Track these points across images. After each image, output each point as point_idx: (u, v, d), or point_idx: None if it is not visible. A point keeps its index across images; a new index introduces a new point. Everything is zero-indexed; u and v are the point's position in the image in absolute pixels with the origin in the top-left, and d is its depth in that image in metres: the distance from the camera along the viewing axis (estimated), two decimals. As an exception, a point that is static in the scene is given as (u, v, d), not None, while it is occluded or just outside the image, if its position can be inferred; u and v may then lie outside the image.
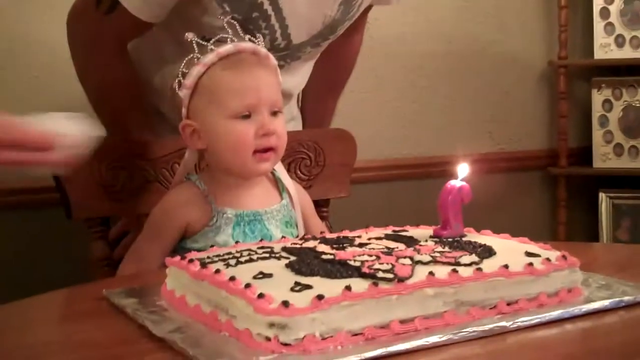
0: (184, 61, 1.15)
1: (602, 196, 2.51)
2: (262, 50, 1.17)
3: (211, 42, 1.14)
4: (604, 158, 2.52)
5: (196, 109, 1.16)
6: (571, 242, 1.44)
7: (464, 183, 0.94)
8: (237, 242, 1.03)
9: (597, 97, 2.51)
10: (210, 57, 1.14)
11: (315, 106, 1.64)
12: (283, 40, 1.39)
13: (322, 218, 1.45)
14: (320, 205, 1.45)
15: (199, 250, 0.97)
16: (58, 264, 1.78)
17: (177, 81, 1.16)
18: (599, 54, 2.47)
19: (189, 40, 1.14)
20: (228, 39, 1.15)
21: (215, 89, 1.14)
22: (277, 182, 1.25)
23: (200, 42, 1.14)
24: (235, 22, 1.16)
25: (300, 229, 1.24)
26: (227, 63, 1.14)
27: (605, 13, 2.47)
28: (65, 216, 1.26)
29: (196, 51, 1.14)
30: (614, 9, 2.46)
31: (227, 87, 1.13)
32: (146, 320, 0.76)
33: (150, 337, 0.73)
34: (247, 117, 1.13)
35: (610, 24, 2.46)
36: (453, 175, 0.95)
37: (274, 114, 1.15)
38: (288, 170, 1.31)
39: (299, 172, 1.42)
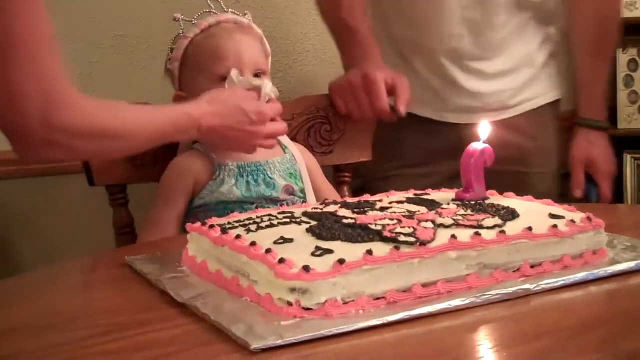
0: (173, 39, 1.24)
1: (626, 157, 2.47)
2: (244, 20, 1.23)
3: (196, 17, 1.23)
4: (628, 119, 2.48)
5: (185, 79, 1.24)
6: (595, 204, 1.42)
7: (486, 145, 0.93)
8: (258, 207, 1.03)
9: (623, 57, 2.46)
10: (193, 30, 1.22)
11: (584, 66, 1.59)
12: None
13: (344, 183, 1.45)
14: (341, 170, 1.44)
15: (205, 205, 0.98)
16: (81, 231, 1.79)
17: (168, 57, 1.25)
18: (625, 13, 2.41)
19: (176, 20, 1.23)
20: (210, 14, 1.23)
21: (198, 57, 1.21)
22: (279, 143, 1.27)
23: (186, 19, 1.23)
24: (219, 1, 1.24)
25: (307, 183, 1.25)
26: (208, 33, 1.22)
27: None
28: (87, 183, 1.27)
29: (182, 28, 1.22)
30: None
31: (209, 52, 1.20)
32: (168, 287, 0.76)
33: (172, 303, 0.73)
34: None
35: (634, -19, 2.40)
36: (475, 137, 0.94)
37: (257, 76, 1.19)
38: (308, 136, 1.32)
39: (319, 138, 1.42)
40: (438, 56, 1.52)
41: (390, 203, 0.91)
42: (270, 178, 1.20)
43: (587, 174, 1.59)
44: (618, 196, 2.40)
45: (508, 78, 1.55)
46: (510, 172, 1.56)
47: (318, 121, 1.43)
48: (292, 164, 1.25)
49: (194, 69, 1.22)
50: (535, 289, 0.73)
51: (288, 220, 0.83)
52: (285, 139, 1.29)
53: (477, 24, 1.49)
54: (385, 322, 0.65)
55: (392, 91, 1.39)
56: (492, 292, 0.71)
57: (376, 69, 1.39)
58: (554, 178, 1.61)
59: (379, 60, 1.46)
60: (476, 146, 0.93)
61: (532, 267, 0.76)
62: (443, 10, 1.48)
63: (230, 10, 1.25)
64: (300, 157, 1.27)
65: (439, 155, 1.51)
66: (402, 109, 1.38)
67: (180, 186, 1.19)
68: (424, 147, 1.54)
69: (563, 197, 1.56)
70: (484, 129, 0.95)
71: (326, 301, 0.66)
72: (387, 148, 1.55)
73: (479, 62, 1.52)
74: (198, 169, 1.20)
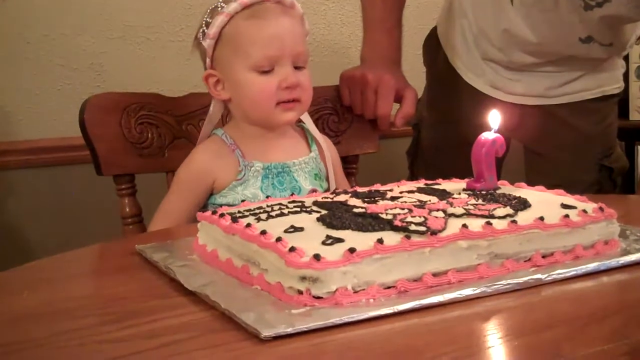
0: (208, 10, 1.14)
1: (638, 148, 2.46)
2: None
3: None
4: (639, 110, 2.47)
5: (220, 58, 1.15)
6: (608, 195, 1.41)
7: (497, 135, 0.92)
8: (267, 196, 1.03)
9: (635, 48, 2.44)
10: (233, 6, 1.12)
11: None
12: None
13: (351, 174, 1.44)
14: (348, 161, 1.44)
15: (227, 205, 0.96)
16: (91, 220, 1.80)
17: (200, 30, 1.15)
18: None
19: None
20: None
21: (238, 39, 1.13)
22: (305, 134, 1.24)
23: None
24: None
25: (331, 181, 1.23)
26: (250, 12, 1.13)
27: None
28: (95, 173, 1.27)
29: (221, 0, 1.13)
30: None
31: (250, 37, 1.12)
32: (178, 275, 0.76)
33: (182, 291, 0.73)
34: (271, 70, 1.12)
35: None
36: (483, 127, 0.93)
37: (298, 67, 1.14)
38: (316, 127, 1.30)
39: (326, 129, 1.41)
40: (486, 59, 1.53)
41: (401, 192, 0.90)
42: (296, 181, 1.17)
43: None
44: (630, 187, 2.39)
45: (555, 76, 1.53)
46: (541, 154, 1.56)
47: (326, 112, 1.43)
48: (318, 162, 1.23)
49: (232, 50, 1.14)
50: (547, 279, 0.72)
51: (298, 209, 0.83)
52: (312, 127, 1.26)
53: (543, 46, 1.47)
54: (396, 311, 0.64)
55: (398, 101, 1.40)
56: (503, 282, 0.70)
57: (392, 74, 1.40)
58: (593, 167, 1.58)
59: (398, 67, 1.47)
60: (487, 136, 0.92)
61: (543, 257, 0.76)
62: (508, 24, 1.47)
63: None
64: (327, 152, 1.24)
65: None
66: (399, 122, 1.41)
67: (199, 184, 1.16)
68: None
69: (601, 188, 1.55)
70: (495, 118, 0.94)
71: (337, 290, 0.65)
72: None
73: (529, 69, 1.52)
74: (221, 167, 1.16)
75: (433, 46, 1.65)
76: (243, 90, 1.14)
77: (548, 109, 1.54)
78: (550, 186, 0.94)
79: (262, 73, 1.12)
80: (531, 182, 0.97)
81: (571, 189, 0.92)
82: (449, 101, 1.61)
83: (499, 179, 0.95)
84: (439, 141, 1.63)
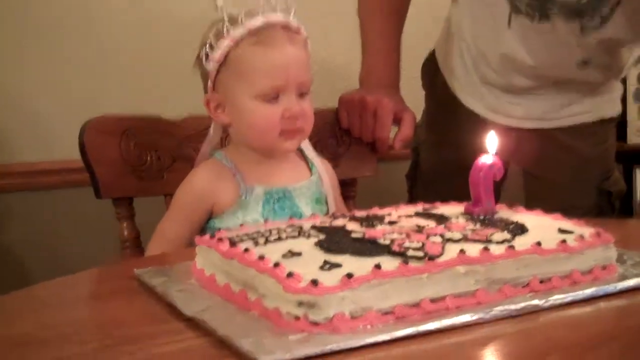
0: (213, 30, 1.13)
1: (636, 171, 2.47)
2: (293, 23, 1.14)
3: (242, 13, 1.11)
4: (638, 133, 2.47)
5: (223, 83, 1.15)
6: (605, 219, 1.42)
7: (495, 159, 0.93)
8: (266, 220, 1.03)
9: (633, 71, 2.46)
10: (240, 31, 1.11)
11: None
12: None
13: (349, 198, 1.45)
14: (347, 184, 1.44)
15: (227, 230, 0.96)
16: (89, 243, 1.80)
17: (204, 51, 1.14)
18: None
19: (218, 7, 1.11)
20: (260, 11, 1.12)
21: (243, 66, 1.12)
22: (305, 158, 1.24)
23: (231, 11, 1.11)
24: None
25: (331, 205, 1.23)
26: (256, 39, 1.11)
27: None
28: (94, 196, 1.27)
29: (226, 21, 1.11)
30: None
31: (256, 65, 1.11)
32: (176, 299, 0.76)
33: (179, 316, 0.72)
34: (275, 98, 1.12)
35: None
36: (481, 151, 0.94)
37: (302, 95, 1.14)
38: (314, 150, 1.30)
39: (324, 152, 1.41)
40: (501, 67, 1.53)
41: (399, 217, 0.91)
42: (297, 206, 1.17)
43: None
44: (628, 210, 2.39)
45: (554, 99, 1.54)
46: (540, 178, 1.57)
47: (324, 135, 1.43)
48: (319, 187, 1.22)
49: (236, 76, 1.13)
50: (544, 304, 0.72)
51: (297, 233, 0.83)
52: (310, 152, 1.25)
53: (538, 74, 1.49)
54: (393, 337, 0.64)
55: (397, 123, 1.41)
56: (501, 308, 0.70)
57: (391, 97, 1.41)
58: (592, 191, 1.58)
59: (397, 90, 1.48)
60: (485, 160, 0.92)
61: (541, 282, 0.76)
62: (506, 48, 1.48)
63: (279, 6, 1.13)
64: (326, 176, 1.24)
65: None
66: (397, 145, 1.42)
67: (197, 207, 1.15)
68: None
69: (600, 212, 1.55)
70: (492, 142, 0.94)
71: (334, 315, 0.65)
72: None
73: (527, 92, 1.53)
74: (221, 191, 1.15)
75: (431, 70, 1.66)
76: (246, 118, 1.13)
77: (547, 132, 1.55)
78: (549, 210, 0.94)
79: (266, 101, 1.11)
80: (530, 206, 0.97)
81: (570, 213, 0.92)
82: (448, 124, 1.61)
83: (498, 203, 0.96)
84: (438, 164, 1.63)
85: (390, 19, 1.52)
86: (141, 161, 1.30)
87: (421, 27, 1.82)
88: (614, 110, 1.60)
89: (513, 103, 1.54)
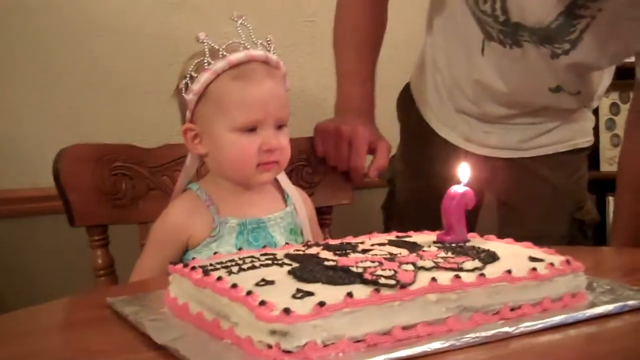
0: (193, 63, 1.13)
1: (609, 200, 2.50)
2: (273, 58, 1.15)
3: (223, 46, 1.12)
4: (610, 162, 2.51)
5: (201, 115, 1.15)
6: (577, 246, 1.43)
7: (467, 188, 0.94)
8: (240, 248, 1.03)
9: (604, 101, 2.50)
10: (220, 64, 1.12)
11: (619, 208, 1.47)
12: (502, 15, 1.39)
13: (325, 225, 1.45)
14: (322, 212, 1.45)
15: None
16: (63, 271, 1.78)
17: (183, 82, 1.15)
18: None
19: (200, 40, 1.12)
20: (241, 45, 1.13)
21: (222, 99, 1.13)
22: (281, 188, 1.25)
23: (212, 45, 1.12)
24: (248, 26, 1.14)
25: (307, 235, 1.23)
26: (237, 73, 1.12)
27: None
28: (68, 224, 1.26)
29: (207, 54, 1.12)
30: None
31: (235, 99, 1.12)
32: (148, 329, 0.76)
33: (152, 345, 0.72)
34: (253, 130, 1.13)
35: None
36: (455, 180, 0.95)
37: (279, 127, 1.15)
38: (290, 179, 1.30)
39: (300, 180, 1.42)
40: (461, 113, 1.57)
41: (372, 245, 0.91)
42: (271, 237, 1.17)
43: None
44: (601, 239, 2.42)
45: (528, 128, 1.57)
46: (514, 207, 1.58)
47: (300, 164, 1.44)
48: (293, 217, 1.23)
49: (215, 108, 1.13)
50: (515, 331, 0.73)
51: (270, 262, 0.83)
52: (285, 182, 1.26)
53: (511, 98, 1.52)
54: (365, 365, 0.65)
55: (372, 153, 1.43)
56: (472, 335, 0.71)
57: (366, 126, 1.42)
58: (565, 220, 1.60)
59: (371, 118, 1.50)
60: (457, 189, 0.94)
61: (511, 309, 0.77)
62: (479, 74, 1.51)
63: (259, 41, 1.14)
64: (302, 208, 1.24)
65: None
66: (372, 174, 1.43)
67: (173, 241, 1.16)
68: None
69: (572, 240, 1.57)
70: (464, 171, 0.96)
71: (306, 344, 0.66)
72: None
73: (502, 121, 1.55)
74: (195, 224, 1.16)
75: (406, 101, 1.68)
76: (223, 150, 1.14)
77: (521, 162, 1.57)
78: (522, 239, 0.95)
79: (244, 133, 1.12)
80: (503, 235, 0.98)
81: (543, 242, 0.93)
82: (423, 155, 1.63)
83: (474, 232, 0.97)
84: (413, 195, 1.64)
85: (364, 50, 1.54)
86: (116, 189, 1.30)
87: (396, 59, 1.84)
88: (587, 140, 1.63)
89: (487, 132, 1.56)
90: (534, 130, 1.56)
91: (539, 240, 0.94)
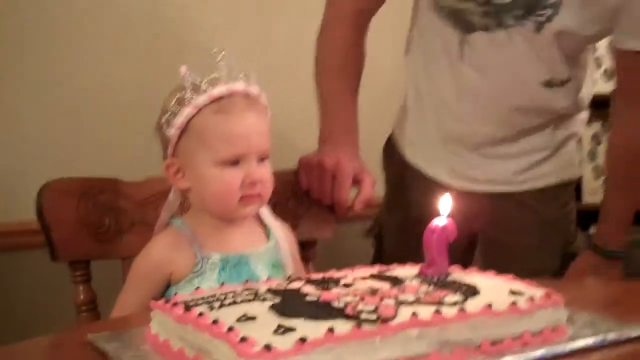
0: (175, 97, 1.13)
1: (593, 231, 2.50)
2: (254, 91, 1.16)
3: (205, 80, 1.13)
4: (592, 192, 2.52)
5: (184, 149, 1.16)
6: (559, 279, 1.44)
7: (448, 221, 0.95)
8: (222, 283, 1.03)
9: (586, 132, 2.52)
10: (202, 99, 1.12)
11: (609, 192, 1.55)
12: None
13: (309, 259, 1.45)
14: (306, 245, 1.44)
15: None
16: (45, 307, 1.77)
17: (165, 118, 1.15)
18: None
19: (182, 75, 1.12)
20: (222, 80, 1.13)
21: (205, 134, 1.13)
22: (263, 223, 1.25)
23: (194, 79, 1.12)
24: (230, 58, 1.15)
25: (289, 269, 1.23)
26: (218, 107, 1.13)
27: (593, 46, 2.49)
28: (49, 258, 1.26)
29: (189, 88, 1.12)
30: (602, 42, 2.48)
31: (218, 133, 1.12)
32: (129, 366, 0.75)
33: (132, 382, 0.72)
34: (235, 163, 1.13)
35: (598, 58, 2.47)
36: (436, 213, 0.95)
37: (262, 160, 1.16)
38: (273, 211, 1.30)
39: (284, 213, 1.42)
40: (448, 140, 1.57)
41: (354, 279, 0.91)
42: (254, 272, 1.17)
43: None
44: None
45: (518, 159, 1.57)
46: (505, 244, 1.58)
47: (284, 196, 1.44)
48: (276, 251, 1.22)
49: (197, 143, 1.13)
50: (496, 366, 0.73)
51: (252, 297, 0.83)
52: (268, 217, 1.26)
53: (489, 112, 1.52)
54: (346, 401, 0.65)
55: (357, 185, 1.42)
56: (453, 370, 0.71)
57: (350, 159, 1.42)
58: (556, 255, 1.60)
59: (356, 150, 1.49)
60: (438, 222, 0.94)
61: (492, 344, 0.77)
62: (456, 86, 1.52)
63: (241, 75, 1.14)
64: (284, 242, 1.24)
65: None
66: (357, 206, 1.41)
67: (154, 278, 1.15)
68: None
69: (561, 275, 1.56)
70: (445, 203, 0.96)
71: (288, 380, 0.66)
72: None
73: (491, 147, 1.55)
74: (178, 260, 1.15)
75: (389, 150, 1.68)
76: (206, 184, 1.14)
77: (510, 196, 1.57)
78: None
79: (227, 167, 1.13)
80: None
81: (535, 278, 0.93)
82: (409, 202, 1.62)
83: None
84: (402, 245, 1.60)
85: (346, 82, 1.55)
86: (99, 224, 1.29)
87: (381, 111, 1.85)
88: (574, 173, 1.64)
89: (475, 166, 1.56)
90: (523, 162, 1.56)
91: (530, 277, 0.94)
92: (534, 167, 1.57)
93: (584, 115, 1.65)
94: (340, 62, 1.56)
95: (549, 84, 1.48)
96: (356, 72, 1.58)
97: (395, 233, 1.65)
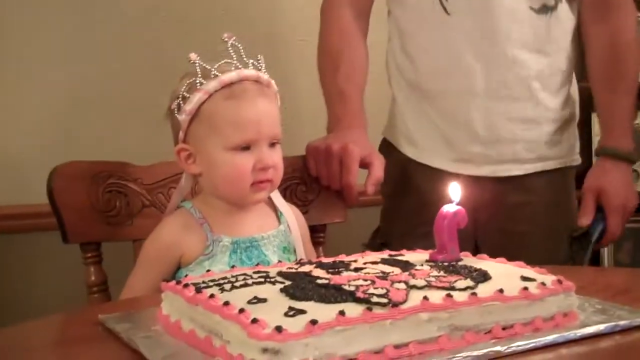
0: (185, 83, 1.14)
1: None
2: (264, 77, 1.16)
3: (215, 66, 1.13)
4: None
5: (195, 134, 1.16)
6: (569, 266, 1.43)
7: (459, 207, 0.95)
8: (233, 266, 1.03)
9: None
10: (212, 84, 1.12)
11: (601, 97, 1.60)
12: None
13: (319, 244, 1.45)
14: (316, 230, 1.45)
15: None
16: (57, 288, 1.78)
17: (176, 103, 1.15)
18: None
19: (191, 61, 1.12)
20: (232, 65, 1.14)
21: (216, 119, 1.13)
22: (274, 206, 1.25)
23: (204, 65, 1.13)
24: (239, 45, 1.15)
25: (300, 253, 1.23)
26: (229, 92, 1.13)
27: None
28: (61, 240, 1.26)
29: (199, 74, 1.12)
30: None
31: (229, 119, 1.12)
32: (140, 346, 0.76)
33: (144, 362, 0.72)
34: (246, 148, 1.13)
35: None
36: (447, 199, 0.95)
37: (272, 145, 1.16)
38: (284, 196, 1.31)
39: (294, 198, 1.42)
40: (450, 96, 1.55)
41: (365, 263, 0.91)
42: (265, 255, 1.17)
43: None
44: (594, 258, 2.42)
45: (527, 126, 1.56)
46: (513, 232, 1.57)
47: (294, 182, 1.44)
48: (287, 235, 1.23)
49: (208, 128, 1.14)
50: (506, 350, 0.73)
51: (262, 279, 0.84)
52: (279, 201, 1.26)
53: (489, 57, 1.51)
54: (357, 383, 0.65)
55: (366, 167, 1.42)
56: (463, 354, 0.71)
57: (357, 143, 1.41)
58: (562, 240, 1.59)
59: (364, 134, 1.49)
60: (449, 208, 0.94)
61: (503, 329, 0.77)
62: (449, 45, 1.52)
63: (251, 61, 1.15)
64: (295, 226, 1.25)
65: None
66: (370, 189, 1.41)
67: (165, 259, 1.15)
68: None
69: (571, 261, 1.56)
70: (454, 189, 0.96)
71: (298, 362, 0.66)
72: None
73: (494, 100, 1.53)
74: (188, 241, 1.15)
75: (385, 152, 1.65)
76: (217, 169, 1.14)
77: (516, 180, 1.56)
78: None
79: (238, 152, 1.13)
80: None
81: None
82: (413, 205, 1.61)
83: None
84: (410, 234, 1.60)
85: (351, 72, 1.54)
86: (110, 206, 1.30)
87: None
88: (576, 159, 1.64)
89: (472, 150, 1.55)
90: (523, 143, 1.55)
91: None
92: (536, 149, 1.57)
93: (576, 93, 1.65)
94: (343, 55, 1.56)
95: (540, 11, 1.50)
96: (361, 64, 1.58)
97: (401, 241, 1.63)
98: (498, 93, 1.52)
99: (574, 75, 1.65)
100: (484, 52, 1.51)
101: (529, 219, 1.58)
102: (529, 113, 1.55)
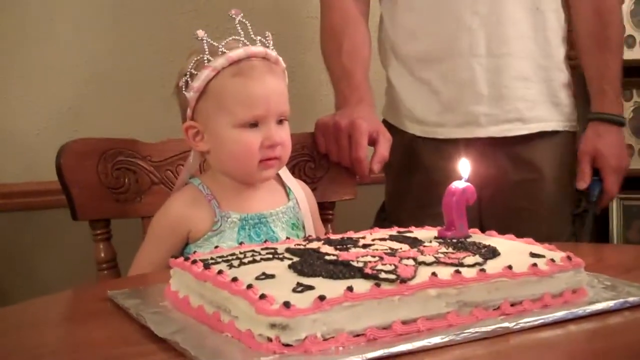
0: (193, 60, 1.13)
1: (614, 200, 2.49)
2: (272, 54, 1.15)
3: (222, 43, 1.12)
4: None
5: (203, 112, 1.15)
6: (578, 243, 1.43)
7: (468, 184, 0.94)
8: (241, 242, 1.03)
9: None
10: (220, 61, 1.12)
11: (589, 63, 1.63)
12: None
13: (328, 221, 1.45)
14: (325, 207, 1.45)
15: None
16: (66, 265, 1.79)
17: (183, 80, 1.14)
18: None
19: (199, 38, 1.11)
20: (240, 42, 1.13)
21: (224, 96, 1.13)
22: (283, 183, 1.25)
23: (212, 42, 1.12)
24: (247, 23, 1.15)
25: (309, 230, 1.23)
26: (237, 69, 1.12)
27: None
28: (71, 217, 1.27)
29: (206, 51, 1.12)
30: (624, 9, 2.42)
31: (237, 95, 1.12)
32: (149, 321, 0.76)
33: (152, 337, 0.73)
34: (254, 125, 1.13)
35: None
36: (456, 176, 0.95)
37: (280, 122, 1.15)
38: (292, 174, 1.30)
39: (303, 175, 1.42)
40: (452, 58, 1.55)
41: (373, 240, 0.91)
42: (273, 232, 1.17)
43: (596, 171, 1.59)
44: (603, 236, 2.41)
45: (526, 85, 1.57)
46: (518, 208, 1.57)
47: (303, 159, 1.44)
48: (296, 212, 1.22)
49: (216, 105, 1.13)
50: (515, 327, 0.73)
51: (270, 256, 0.84)
52: (287, 177, 1.26)
53: (487, 17, 1.53)
54: (365, 359, 0.65)
55: (373, 144, 1.42)
56: (472, 330, 0.71)
57: (364, 119, 1.40)
58: (565, 215, 1.60)
59: (371, 109, 1.49)
60: (458, 184, 0.94)
61: (512, 305, 0.77)
62: (450, 6, 1.53)
63: (258, 38, 1.15)
64: (304, 202, 1.24)
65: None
66: (375, 167, 1.41)
67: (173, 234, 1.16)
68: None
69: (574, 236, 1.57)
70: (464, 165, 0.96)
71: (306, 337, 0.66)
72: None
73: (495, 58, 1.54)
74: (196, 217, 1.15)
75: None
76: (225, 146, 1.14)
77: (524, 155, 1.56)
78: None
79: (246, 129, 1.12)
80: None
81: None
82: (421, 184, 1.60)
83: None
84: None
85: (354, 53, 1.54)
86: (119, 184, 1.30)
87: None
88: (574, 125, 1.65)
89: (484, 111, 1.55)
90: (524, 102, 1.56)
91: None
92: (543, 104, 1.58)
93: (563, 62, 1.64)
94: (342, 28, 1.56)
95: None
96: (364, 46, 1.58)
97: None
98: (499, 51, 1.54)
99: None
100: (483, 12, 1.53)
101: (533, 196, 1.57)
102: (529, 71, 1.56)
